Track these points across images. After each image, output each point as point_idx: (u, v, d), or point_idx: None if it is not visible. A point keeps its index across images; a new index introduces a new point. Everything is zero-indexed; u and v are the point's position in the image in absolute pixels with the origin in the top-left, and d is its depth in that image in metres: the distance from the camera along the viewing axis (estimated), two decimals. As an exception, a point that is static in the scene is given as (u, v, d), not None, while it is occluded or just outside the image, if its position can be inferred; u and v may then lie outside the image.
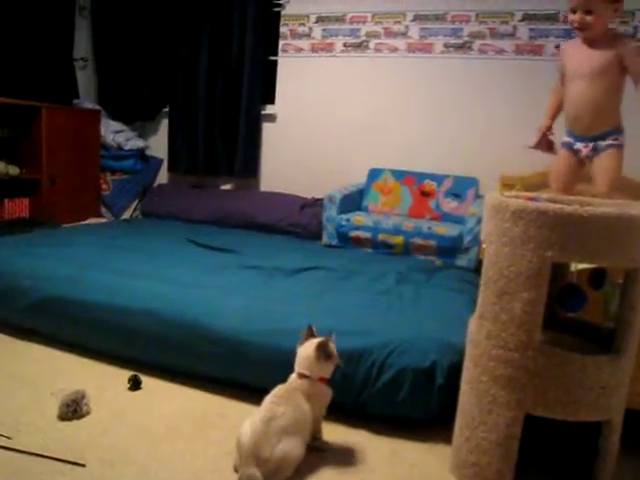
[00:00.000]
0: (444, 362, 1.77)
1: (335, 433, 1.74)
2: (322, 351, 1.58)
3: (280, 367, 1.69)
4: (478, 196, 3.62)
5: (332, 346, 1.61)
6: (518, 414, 1.35)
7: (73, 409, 1.72)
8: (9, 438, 1.58)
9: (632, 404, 1.49)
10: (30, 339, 2.31)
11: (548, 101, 2.68)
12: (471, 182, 3.67)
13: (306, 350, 1.60)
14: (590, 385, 1.31)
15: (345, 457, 1.64)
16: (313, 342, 1.60)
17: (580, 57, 2.32)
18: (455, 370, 1.67)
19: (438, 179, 3.76)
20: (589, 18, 2.17)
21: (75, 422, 1.71)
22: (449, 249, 3.20)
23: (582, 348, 1.40)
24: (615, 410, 1.37)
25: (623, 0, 2.17)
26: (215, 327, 1.97)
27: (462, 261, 3.16)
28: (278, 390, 1.56)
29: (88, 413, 1.76)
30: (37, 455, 1.51)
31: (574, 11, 2.20)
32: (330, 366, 1.61)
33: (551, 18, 3.55)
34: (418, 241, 3.26)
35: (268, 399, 1.53)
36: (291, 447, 1.45)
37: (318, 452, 1.62)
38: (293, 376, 1.61)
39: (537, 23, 3.60)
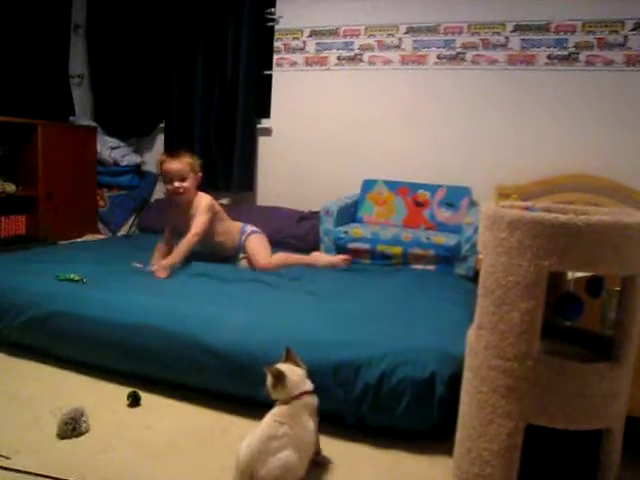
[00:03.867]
0: (444, 372, 1.76)
1: (335, 447, 1.74)
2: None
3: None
4: (472, 205, 3.64)
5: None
6: (519, 424, 1.34)
7: (72, 427, 1.71)
8: (8, 458, 1.57)
9: (633, 412, 1.49)
10: (28, 357, 2.30)
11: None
12: (464, 191, 3.69)
13: (296, 370, 1.58)
14: (590, 393, 1.31)
15: (345, 471, 1.63)
16: (290, 368, 1.58)
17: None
18: (455, 380, 1.67)
19: (431, 189, 3.78)
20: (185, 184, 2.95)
21: (74, 440, 1.70)
22: (448, 258, 3.22)
23: (581, 357, 1.40)
24: (615, 418, 1.37)
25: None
26: (215, 341, 1.96)
27: (461, 269, 3.17)
28: (283, 408, 1.51)
29: (87, 431, 1.75)
30: (37, 475, 1.50)
31: (171, 182, 2.92)
32: None
33: (542, 29, 3.59)
34: (417, 251, 3.27)
35: (270, 417, 1.48)
36: (290, 466, 1.40)
37: (318, 467, 1.61)
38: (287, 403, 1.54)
39: (529, 33, 3.64)
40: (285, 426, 1.45)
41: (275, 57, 4.32)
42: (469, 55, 3.80)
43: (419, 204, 3.77)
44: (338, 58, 4.14)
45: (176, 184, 2.92)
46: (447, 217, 3.67)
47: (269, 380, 1.53)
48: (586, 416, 1.32)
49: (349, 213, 3.81)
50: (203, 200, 3.00)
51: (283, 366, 1.57)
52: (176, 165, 2.92)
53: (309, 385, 1.58)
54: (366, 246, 3.37)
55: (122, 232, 4.56)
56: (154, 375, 2.09)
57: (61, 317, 2.22)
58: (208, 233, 3.00)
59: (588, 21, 3.49)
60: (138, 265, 2.91)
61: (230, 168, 4.33)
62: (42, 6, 4.31)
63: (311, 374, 1.81)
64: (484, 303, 1.39)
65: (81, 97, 4.86)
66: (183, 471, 1.58)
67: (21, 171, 4.03)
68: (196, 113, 4.40)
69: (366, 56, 4.07)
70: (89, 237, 4.23)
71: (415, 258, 3.28)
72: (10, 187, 3.86)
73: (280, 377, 1.52)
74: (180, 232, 3.00)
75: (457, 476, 1.52)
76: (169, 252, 2.95)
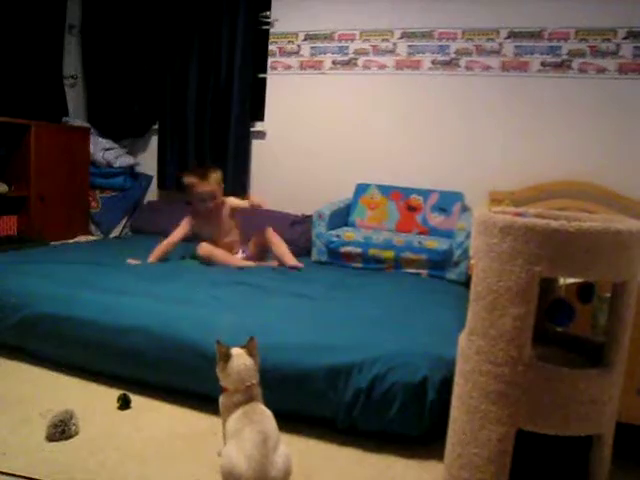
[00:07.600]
0: (435, 377, 1.77)
1: (325, 451, 1.73)
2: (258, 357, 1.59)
3: (273, 383, 1.69)
4: (464, 210, 3.65)
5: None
6: (509, 429, 1.34)
7: (61, 430, 1.70)
8: (-4, 460, 1.56)
9: (623, 418, 1.50)
10: (17, 358, 2.29)
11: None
12: (457, 196, 3.70)
13: (243, 361, 1.56)
14: (580, 399, 1.31)
15: (336, 476, 1.62)
16: (241, 353, 1.57)
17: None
18: (447, 385, 1.67)
19: (424, 194, 3.78)
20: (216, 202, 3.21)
21: (64, 443, 1.69)
22: (439, 263, 3.22)
23: (572, 362, 1.40)
24: (606, 424, 1.37)
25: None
26: (206, 343, 1.94)
27: (452, 274, 3.17)
28: (248, 410, 1.49)
29: (77, 433, 1.74)
30: (25, 478, 1.49)
31: (204, 201, 3.18)
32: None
33: (536, 35, 3.61)
34: (409, 255, 3.27)
35: (243, 421, 1.46)
36: (285, 452, 1.45)
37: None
38: (239, 396, 1.52)
39: (522, 40, 3.65)
40: (261, 423, 1.45)
41: (270, 60, 4.31)
42: (463, 61, 3.82)
43: (412, 209, 3.78)
44: (333, 62, 4.14)
45: (210, 204, 3.19)
46: (439, 222, 3.68)
47: (217, 357, 1.55)
48: (576, 422, 1.33)
49: (342, 217, 3.81)
50: (233, 200, 3.35)
51: (236, 349, 1.57)
52: (209, 187, 3.16)
53: (255, 378, 1.56)
54: (358, 250, 3.37)
55: (114, 234, 4.54)
56: (144, 377, 2.08)
57: (52, 319, 2.21)
58: (227, 231, 3.32)
59: (581, 29, 3.52)
60: (134, 262, 2.93)
61: (223, 170, 4.29)
62: (37, 6, 4.29)
63: (302, 378, 1.81)
64: (476, 308, 1.40)
65: (75, 98, 4.84)
66: (173, 474, 1.57)
67: (13, 171, 4.00)
68: (190, 115, 4.39)
69: (361, 60, 4.07)
70: (81, 238, 4.21)
71: (407, 262, 3.29)
72: (2, 187, 3.83)
73: (226, 357, 1.54)
74: (210, 235, 3.27)
75: (447, 481, 1.52)
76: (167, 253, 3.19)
